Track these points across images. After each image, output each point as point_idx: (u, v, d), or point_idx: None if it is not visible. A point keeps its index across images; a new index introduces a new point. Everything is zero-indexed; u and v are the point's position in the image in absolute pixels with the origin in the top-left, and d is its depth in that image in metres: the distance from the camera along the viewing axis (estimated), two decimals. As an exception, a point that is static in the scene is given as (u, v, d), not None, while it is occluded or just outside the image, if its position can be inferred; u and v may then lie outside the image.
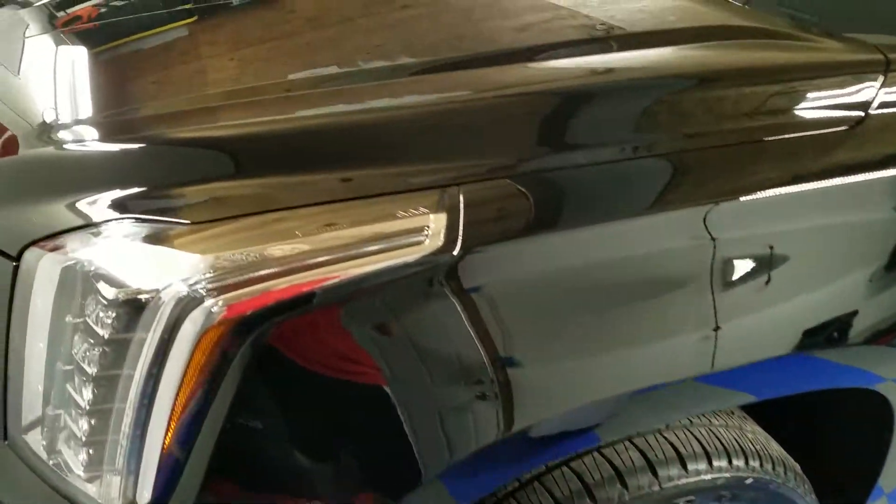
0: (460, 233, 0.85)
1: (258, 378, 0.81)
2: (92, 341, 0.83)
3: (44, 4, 1.64)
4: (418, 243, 0.84)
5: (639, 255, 0.92)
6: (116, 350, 0.82)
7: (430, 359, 0.84)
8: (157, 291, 0.80)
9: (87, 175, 0.93)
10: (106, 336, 0.82)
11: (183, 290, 0.79)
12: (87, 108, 1.09)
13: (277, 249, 0.82)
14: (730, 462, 1.13)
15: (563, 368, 0.91)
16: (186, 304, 0.79)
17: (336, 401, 0.84)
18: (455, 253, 0.84)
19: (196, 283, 0.80)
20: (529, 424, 0.90)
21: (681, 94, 1.05)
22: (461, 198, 0.88)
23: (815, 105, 1.08)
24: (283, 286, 0.80)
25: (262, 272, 0.81)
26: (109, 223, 0.86)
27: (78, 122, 1.05)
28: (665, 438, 1.10)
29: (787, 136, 1.02)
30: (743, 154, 0.99)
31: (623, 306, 0.92)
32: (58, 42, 1.39)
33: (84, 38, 1.43)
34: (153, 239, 0.84)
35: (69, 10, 1.64)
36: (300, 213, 0.85)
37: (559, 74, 1.10)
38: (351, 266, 0.82)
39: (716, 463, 1.11)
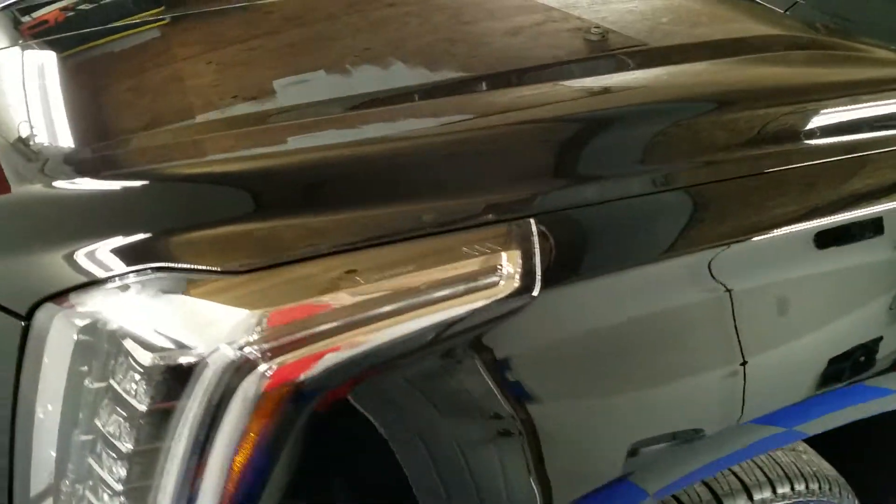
0: (537, 271, 0.76)
1: (324, 446, 0.71)
2: (123, 411, 0.72)
3: (8, 9, 1.48)
4: (493, 286, 0.75)
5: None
6: (154, 422, 0.71)
7: (515, 414, 0.76)
8: (203, 356, 0.69)
9: (100, 217, 0.81)
10: (141, 407, 0.71)
11: (233, 352, 0.69)
12: (82, 135, 0.97)
13: (336, 299, 0.72)
14: (792, 488, 1.09)
15: (645, 413, 0.84)
16: (238, 369, 0.69)
17: (413, 464, 0.75)
18: (535, 294, 0.75)
19: (247, 343, 0.69)
20: (630, 470, 0.82)
21: (753, 112, 0.97)
22: (534, 231, 0.78)
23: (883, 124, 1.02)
24: (348, 342, 0.70)
25: (322, 327, 0.71)
26: (135, 274, 0.74)
27: (75, 152, 0.92)
28: (729, 471, 1.04)
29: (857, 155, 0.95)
30: (818, 174, 0.93)
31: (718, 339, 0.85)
32: (31, 53, 1.24)
33: (60, 47, 1.28)
34: (190, 291, 0.73)
35: (35, 15, 1.48)
36: (356, 257, 0.75)
37: (621, 98, 1.01)
38: (420, 315, 0.73)
39: (780, 490, 1.08)
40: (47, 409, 0.77)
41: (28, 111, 1.01)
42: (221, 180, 0.81)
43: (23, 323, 0.75)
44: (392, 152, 0.85)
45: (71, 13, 1.46)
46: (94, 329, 0.74)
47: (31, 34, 1.37)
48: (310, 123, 0.90)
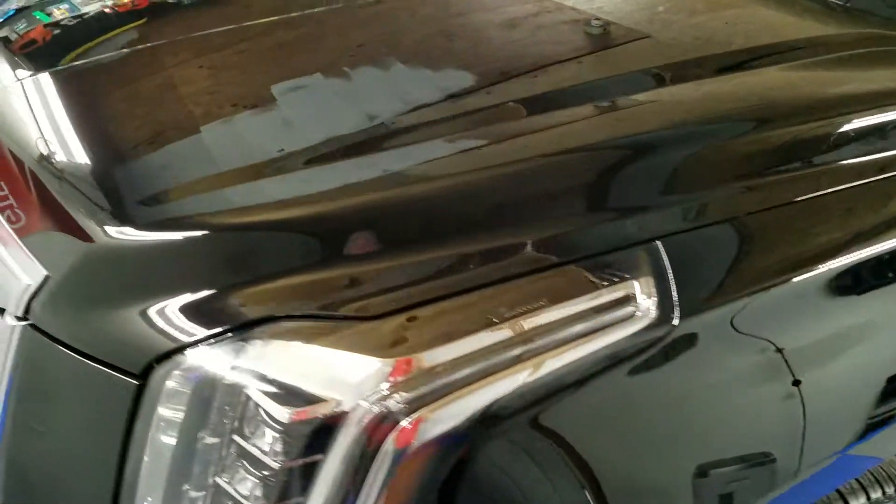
0: (675, 298, 0.73)
1: (481, 499, 0.68)
2: (251, 468, 0.69)
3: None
4: (630, 317, 0.72)
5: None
6: (289, 479, 0.67)
7: (671, 450, 0.73)
8: (343, 410, 0.65)
9: (206, 266, 0.76)
10: (275, 463, 0.67)
11: (375, 405, 0.65)
12: (156, 173, 0.90)
13: (476, 341, 0.69)
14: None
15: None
16: (381, 423, 0.65)
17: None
18: (675, 323, 0.72)
19: (389, 395, 0.66)
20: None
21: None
22: (664, 255, 0.75)
23: None
24: (496, 387, 0.67)
25: (466, 371, 0.67)
26: (257, 326, 0.70)
27: (165, 192, 0.85)
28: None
29: None
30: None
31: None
32: (61, 81, 1.15)
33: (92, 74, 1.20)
34: (319, 340, 0.69)
35: (21, 33, 1.39)
36: (486, 294, 0.72)
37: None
38: (564, 353, 0.69)
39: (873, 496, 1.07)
40: (157, 465, 0.73)
41: (91, 148, 0.95)
42: (332, 220, 0.77)
43: (136, 382, 0.71)
44: (501, 181, 0.81)
45: (57, 31, 1.39)
46: (213, 384, 0.69)
47: (25, 54, 1.29)
48: (408, 150, 0.86)
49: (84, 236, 0.79)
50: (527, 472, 0.69)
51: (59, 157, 0.93)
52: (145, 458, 0.73)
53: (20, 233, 0.84)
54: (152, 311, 0.72)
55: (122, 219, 0.78)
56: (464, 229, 0.76)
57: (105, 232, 0.77)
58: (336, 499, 0.66)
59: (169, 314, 0.72)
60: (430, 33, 1.19)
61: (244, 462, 0.69)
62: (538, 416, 0.69)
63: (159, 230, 0.77)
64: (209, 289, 0.72)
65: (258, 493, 0.68)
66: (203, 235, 0.76)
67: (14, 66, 1.19)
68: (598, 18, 1.13)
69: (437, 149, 0.85)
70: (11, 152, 0.94)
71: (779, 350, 0.78)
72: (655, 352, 0.71)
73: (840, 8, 1.28)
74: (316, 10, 1.27)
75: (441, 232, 0.76)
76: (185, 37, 1.21)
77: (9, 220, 0.89)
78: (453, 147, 0.86)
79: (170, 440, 0.72)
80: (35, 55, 1.25)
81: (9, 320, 0.81)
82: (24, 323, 0.79)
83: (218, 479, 0.70)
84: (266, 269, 0.73)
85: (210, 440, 0.71)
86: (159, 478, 0.72)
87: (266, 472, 0.67)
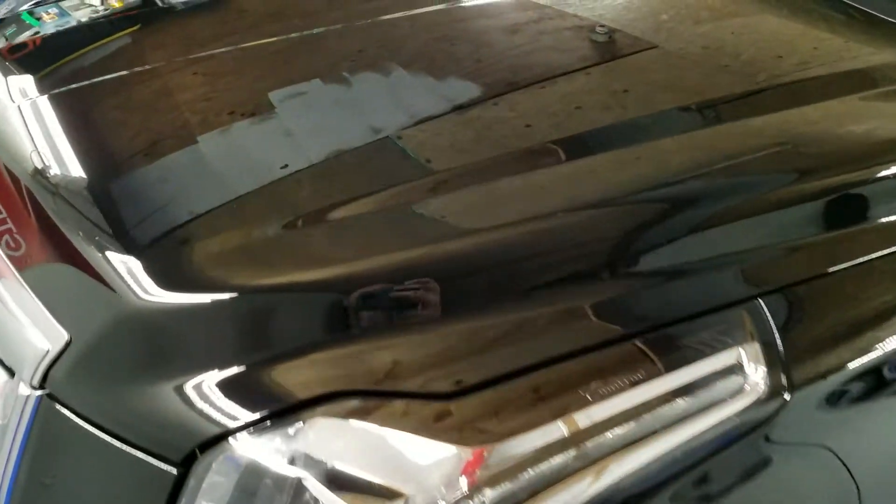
0: (784, 366, 0.64)
1: None
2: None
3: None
4: (738, 391, 0.63)
5: None
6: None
7: None
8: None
9: (245, 339, 0.66)
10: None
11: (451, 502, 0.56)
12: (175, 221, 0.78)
13: (567, 425, 0.60)
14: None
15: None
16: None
17: None
18: (786, 397, 0.64)
19: (468, 492, 0.57)
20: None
21: None
22: (769, 316, 0.66)
23: None
24: (588, 479, 0.58)
25: (557, 459, 0.58)
26: (310, 406, 0.61)
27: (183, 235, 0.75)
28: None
29: None
30: None
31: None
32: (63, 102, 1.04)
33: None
34: (390, 423, 0.60)
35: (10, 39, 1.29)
36: (570, 367, 0.63)
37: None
38: (669, 436, 0.60)
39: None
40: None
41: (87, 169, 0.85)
42: (385, 279, 0.66)
43: (176, 471, 0.62)
44: (566, 231, 0.71)
45: (48, 36, 1.29)
46: (263, 475, 0.60)
47: (16, 60, 1.19)
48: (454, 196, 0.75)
49: (113, 297, 0.69)
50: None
51: (53, 172, 0.83)
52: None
53: (35, 287, 0.74)
54: (190, 388, 0.63)
55: (169, 274, 0.68)
56: (533, 289, 0.67)
57: (138, 292, 0.67)
58: None
59: (210, 392, 0.62)
60: (433, 38, 1.09)
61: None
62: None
63: (194, 291, 0.67)
64: (253, 361, 0.63)
65: None
66: (241, 298, 0.66)
67: (5, 73, 1.10)
68: (602, 26, 1.05)
69: (483, 193, 0.76)
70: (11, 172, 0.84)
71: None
72: (769, 431, 0.63)
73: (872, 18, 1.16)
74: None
75: (509, 292, 0.66)
76: (181, 49, 1.11)
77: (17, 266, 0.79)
78: (504, 190, 0.76)
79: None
80: (25, 61, 1.15)
81: (22, 389, 0.72)
82: (41, 392, 0.70)
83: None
84: (316, 338, 0.64)
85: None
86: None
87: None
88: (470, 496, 0.57)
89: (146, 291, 0.66)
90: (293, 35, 1.12)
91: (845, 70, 0.95)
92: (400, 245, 0.69)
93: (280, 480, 0.60)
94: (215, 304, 0.65)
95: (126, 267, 0.68)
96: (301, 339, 0.64)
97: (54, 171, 0.86)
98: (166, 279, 0.67)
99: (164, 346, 0.65)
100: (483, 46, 1.03)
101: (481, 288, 0.66)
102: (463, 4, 1.23)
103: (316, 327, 0.64)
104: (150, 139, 0.89)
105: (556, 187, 0.76)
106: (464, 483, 0.57)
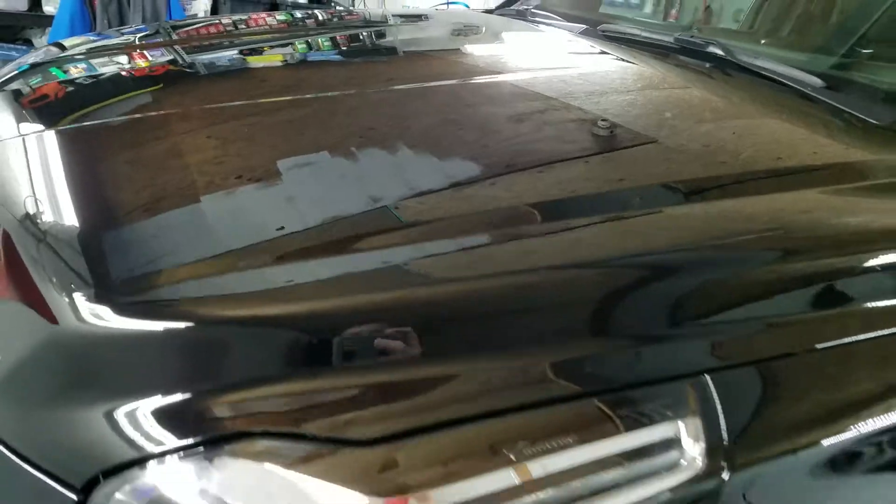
0: (725, 444, 0.61)
1: None
2: None
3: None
4: (674, 466, 0.60)
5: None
6: None
7: None
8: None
9: (172, 366, 0.64)
10: None
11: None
12: (132, 254, 0.76)
13: (489, 483, 0.57)
14: None
15: None
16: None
17: None
18: (724, 477, 0.60)
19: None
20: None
21: None
22: (714, 392, 0.64)
23: None
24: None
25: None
26: (230, 443, 0.58)
27: (151, 272, 0.73)
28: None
29: None
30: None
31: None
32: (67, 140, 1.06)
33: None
34: (303, 468, 0.57)
35: (35, 87, 1.32)
36: (506, 423, 0.60)
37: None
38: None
39: None
40: None
41: (79, 212, 0.84)
42: (327, 320, 0.65)
43: (76, 498, 0.59)
44: (523, 289, 0.69)
45: (71, 88, 1.32)
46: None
47: (34, 109, 1.21)
48: (418, 246, 0.75)
49: (48, 315, 0.68)
50: None
51: (44, 217, 0.83)
52: None
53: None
54: (103, 414, 0.60)
55: (99, 298, 0.66)
56: (478, 343, 0.65)
57: (76, 313, 0.66)
58: None
59: (123, 420, 0.60)
60: (439, 121, 1.12)
61: None
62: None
63: (134, 316, 0.65)
64: (170, 393, 0.61)
65: None
66: (176, 328, 0.64)
67: (19, 121, 1.12)
68: (604, 119, 1.07)
69: (447, 246, 0.75)
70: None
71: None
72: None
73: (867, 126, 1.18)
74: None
75: (452, 343, 0.64)
76: (197, 107, 1.13)
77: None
78: (466, 245, 0.75)
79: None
80: (44, 111, 1.18)
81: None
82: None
83: None
84: (237, 376, 0.62)
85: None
86: None
87: None
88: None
89: (75, 317, 0.65)
90: (307, 109, 1.15)
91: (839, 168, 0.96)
92: (346, 289, 0.68)
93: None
94: (137, 334, 0.63)
95: (52, 293, 0.67)
96: (220, 375, 0.62)
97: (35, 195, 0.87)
98: (92, 307, 0.65)
99: (84, 372, 0.63)
100: (489, 133, 1.05)
101: (416, 338, 0.64)
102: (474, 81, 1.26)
103: (236, 365, 0.62)
104: (152, 192, 0.88)
105: (526, 250, 0.75)
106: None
